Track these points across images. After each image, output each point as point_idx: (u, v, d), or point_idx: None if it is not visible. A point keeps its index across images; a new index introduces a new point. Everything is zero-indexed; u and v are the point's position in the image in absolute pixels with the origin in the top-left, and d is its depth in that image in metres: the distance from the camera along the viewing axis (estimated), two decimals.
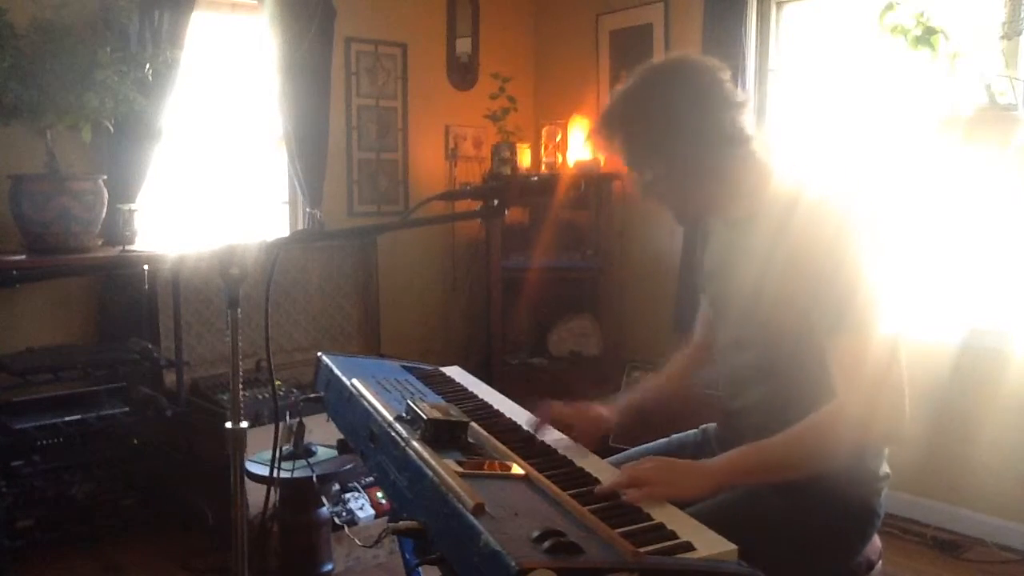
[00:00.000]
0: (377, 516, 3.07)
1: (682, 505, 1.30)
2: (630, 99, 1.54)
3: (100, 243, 3.18)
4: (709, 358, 1.80)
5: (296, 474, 2.47)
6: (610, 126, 1.57)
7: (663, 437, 1.87)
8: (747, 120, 1.52)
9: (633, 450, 1.79)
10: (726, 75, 1.52)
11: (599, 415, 1.77)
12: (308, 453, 2.61)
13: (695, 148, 1.49)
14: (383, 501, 3.09)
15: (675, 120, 1.48)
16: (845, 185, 1.51)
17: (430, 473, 1.25)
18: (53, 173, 3.02)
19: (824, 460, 1.41)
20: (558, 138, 4.28)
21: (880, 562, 1.66)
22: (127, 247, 3.17)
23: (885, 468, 1.60)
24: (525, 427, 1.66)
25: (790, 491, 1.44)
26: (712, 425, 1.82)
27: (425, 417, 1.43)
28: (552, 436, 1.63)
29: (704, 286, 1.76)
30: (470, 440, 1.45)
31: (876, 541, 1.68)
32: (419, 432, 1.41)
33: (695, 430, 1.85)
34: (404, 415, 1.50)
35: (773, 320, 1.51)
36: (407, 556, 1.99)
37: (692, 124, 1.48)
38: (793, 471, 1.42)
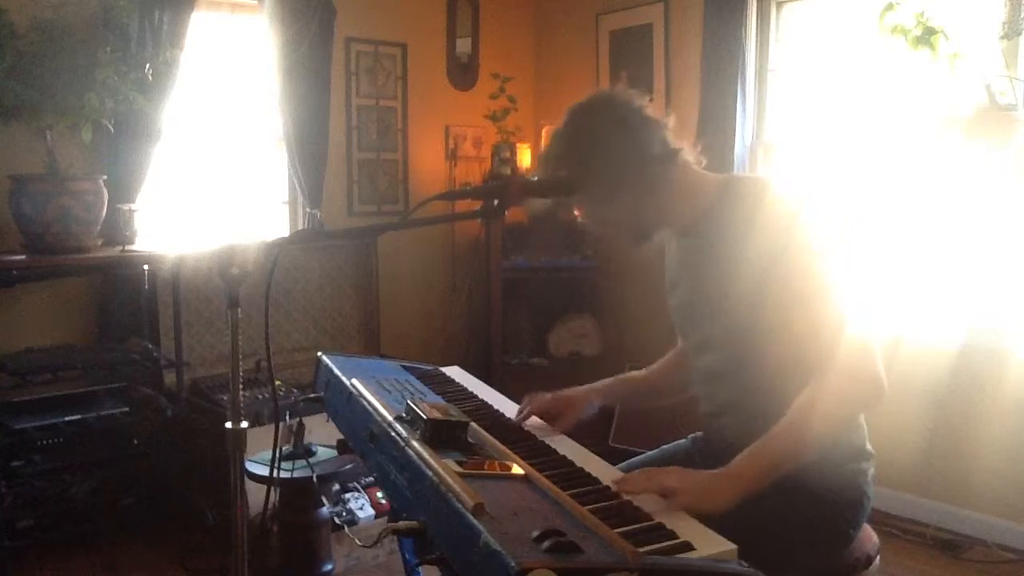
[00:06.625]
0: (377, 516, 3.07)
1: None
2: (561, 140, 1.62)
3: (100, 243, 3.17)
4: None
5: (296, 474, 2.47)
6: (547, 167, 1.64)
7: (656, 446, 1.89)
8: (669, 136, 1.61)
9: (625, 464, 1.79)
10: (643, 100, 1.61)
11: (575, 402, 1.83)
12: (308, 453, 2.61)
13: (628, 174, 1.57)
14: (383, 501, 3.10)
15: (604, 151, 1.56)
16: (784, 180, 1.55)
17: (430, 473, 1.25)
18: (53, 173, 3.02)
19: (826, 434, 1.45)
20: None
21: (878, 558, 1.66)
22: (127, 247, 3.17)
23: (868, 446, 1.65)
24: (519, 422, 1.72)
25: (780, 480, 1.45)
26: (700, 433, 1.84)
27: (425, 417, 1.43)
28: (534, 424, 1.73)
29: (669, 297, 1.82)
30: (470, 440, 1.45)
31: (874, 536, 1.69)
32: (419, 432, 1.42)
33: (684, 439, 1.87)
34: (404, 415, 1.50)
35: (734, 318, 1.57)
36: (407, 556, 2.00)
37: (620, 152, 1.57)
38: (805, 454, 1.44)
